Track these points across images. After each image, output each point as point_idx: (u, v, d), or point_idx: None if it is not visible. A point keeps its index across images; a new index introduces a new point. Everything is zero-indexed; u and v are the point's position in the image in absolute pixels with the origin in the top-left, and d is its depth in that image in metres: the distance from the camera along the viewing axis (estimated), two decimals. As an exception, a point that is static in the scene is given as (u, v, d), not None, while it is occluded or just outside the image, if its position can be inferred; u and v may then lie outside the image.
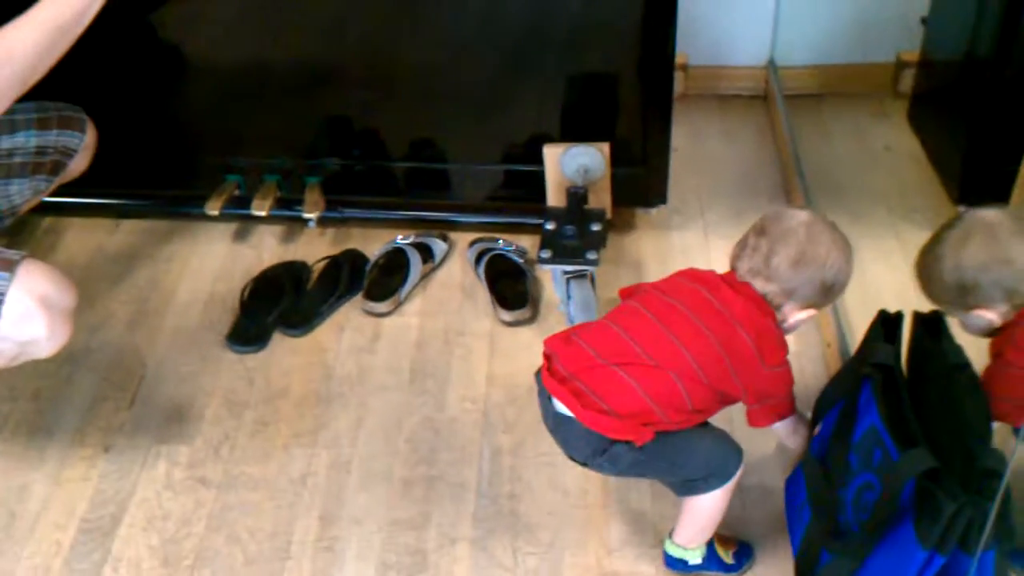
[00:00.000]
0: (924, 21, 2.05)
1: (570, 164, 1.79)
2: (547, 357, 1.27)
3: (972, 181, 1.86)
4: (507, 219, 1.96)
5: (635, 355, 1.21)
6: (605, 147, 1.78)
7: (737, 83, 2.32)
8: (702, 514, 1.29)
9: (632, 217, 1.97)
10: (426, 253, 1.89)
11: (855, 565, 1.17)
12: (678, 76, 2.16)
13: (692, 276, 1.28)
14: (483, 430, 1.59)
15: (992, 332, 1.26)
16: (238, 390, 1.68)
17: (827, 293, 1.25)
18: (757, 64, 2.29)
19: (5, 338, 1.26)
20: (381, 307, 1.81)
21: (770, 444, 1.50)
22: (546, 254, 1.69)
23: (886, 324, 1.27)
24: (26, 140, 1.58)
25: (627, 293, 1.33)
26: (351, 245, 1.95)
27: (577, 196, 1.75)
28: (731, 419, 1.33)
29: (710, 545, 1.34)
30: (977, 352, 1.21)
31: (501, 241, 1.91)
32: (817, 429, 1.35)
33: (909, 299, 1.29)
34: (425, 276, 1.89)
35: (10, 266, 1.25)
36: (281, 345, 1.77)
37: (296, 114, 1.90)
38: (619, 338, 1.22)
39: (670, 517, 1.37)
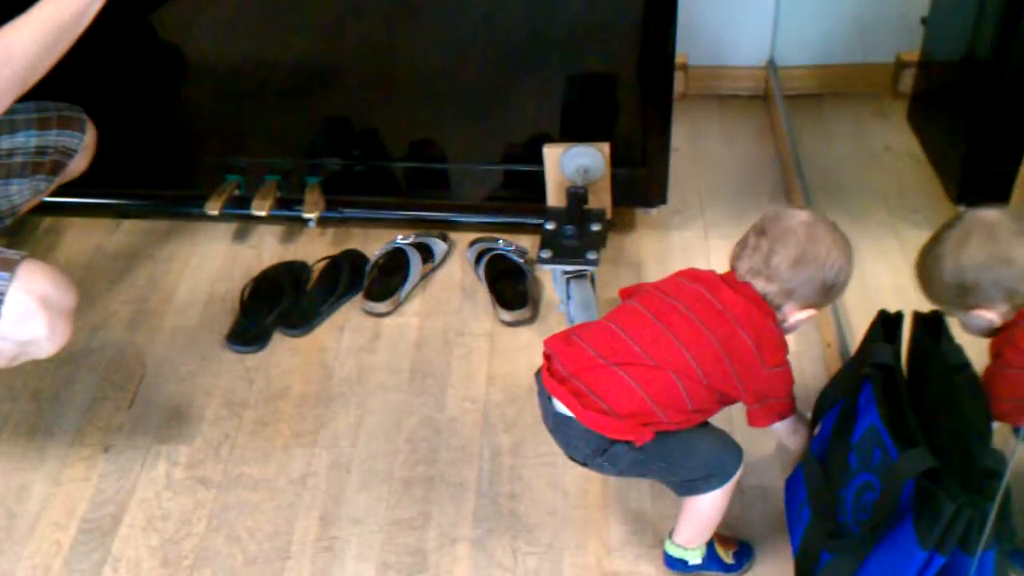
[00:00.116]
0: (924, 21, 2.04)
1: (570, 164, 1.79)
2: (547, 357, 1.27)
3: (972, 181, 1.86)
4: (507, 219, 1.96)
5: (635, 355, 1.20)
6: (605, 147, 1.78)
7: (737, 83, 2.32)
8: (702, 514, 1.29)
9: (632, 217, 1.97)
10: (426, 253, 1.89)
11: (855, 565, 1.16)
12: (678, 76, 2.16)
13: (692, 276, 1.28)
14: (483, 430, 1.59)
15: (992, 332, 1.26)
16: (238, 390, 1.68)
17: (827, 293, 1.25)
18: (757, 64, 2.29)
19: (5, 338, 1.26)
20: (381, 307, 1.80)
21: (770, 444, 1.50)
22: (546, 254, 1.69)
23: (886, 324, 1.27)
24: (26, 140, 1.58)
25: (627, 293, 1.33)
26: (351, 245, 1.95)
27: (577, 196, 1.75)
28: (731, 419, 1.33)
29: (710, 545, 1.34)
30: (977, 352, 1.21)
31: (501, 241, 1.91)
32: (817, 429, 1.35)
33: (909, 299, 1.28)
34: (425, 276, 1.89)
35: (10, 266, 1.25)
36: (281, 345, 1.77)
37: (296, 114, 1.90)
38: (619, 338, 1.22)
39: (670, 517, 1.37)
